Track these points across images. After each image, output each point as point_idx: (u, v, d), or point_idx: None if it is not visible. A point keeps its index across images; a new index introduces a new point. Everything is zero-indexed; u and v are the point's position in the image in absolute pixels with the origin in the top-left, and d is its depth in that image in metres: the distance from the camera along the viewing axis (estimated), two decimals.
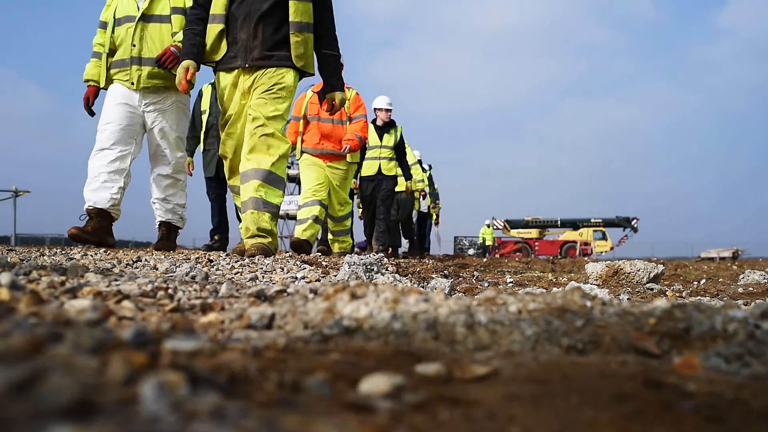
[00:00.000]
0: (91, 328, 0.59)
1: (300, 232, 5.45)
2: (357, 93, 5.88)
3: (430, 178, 10.97)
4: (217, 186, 6.04)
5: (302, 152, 5.80)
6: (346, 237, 6.20)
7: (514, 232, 29.95)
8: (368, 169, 7.09)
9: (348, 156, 5.76)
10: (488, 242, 26.37)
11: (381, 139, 7.08)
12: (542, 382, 0.54)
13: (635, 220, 29.23)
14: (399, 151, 7.16)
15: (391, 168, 7.08)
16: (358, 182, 7.35)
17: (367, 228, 7.41)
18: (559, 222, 29.98)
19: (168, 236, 4.28)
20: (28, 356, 0.42)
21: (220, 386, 0.44)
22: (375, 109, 7.10)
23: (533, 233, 29.51)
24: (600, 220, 29.56)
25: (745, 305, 1.78)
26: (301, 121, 5.76)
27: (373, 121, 7.07)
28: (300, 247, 5.29)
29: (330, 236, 6.21)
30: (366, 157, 7.05)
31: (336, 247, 6.21)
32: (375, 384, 0.50)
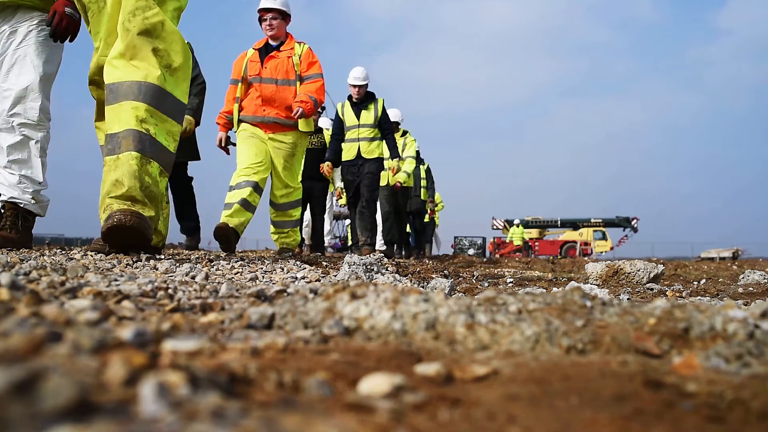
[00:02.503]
0: (91, 328, 0.59)
1: (224, 216, 4.37)
2: (310, 48, 4.79)
3: (428, 171, 10.38)
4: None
5: (240, 122, 4.74)
6: (291, 231, 4.96)
7: None
8: (347, 152, 6.18)
9: (300, 123, 4.66)
10: (517, 242, 25.75)
11: (358, 117, 6.09)
12: (542, 382, 0.54)
13: (635, 220, 29.25)
14: (383, 128, 6.13)
15: (372, 150, 6.11)
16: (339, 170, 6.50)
17: (354, 220, 6.52)
18: (559, 222, 29.99)
19: (13, 223, 2.82)
20: (28, 356, 0.42)
21: (220, 386, 0.44)
22: (349, 85, 6.14)
23: (533, 233, 29.53)
24: (600, 220, 29.58)
25: (745, 305, 1.78)
26: (240, 84, 4.73)
27: (349, 98, 6.19)
28: (223, 234, 4.24)
29: (271, 228, 4.96)
30: (345, 139, 6.18)
31: (278, 242, 5.00)
32: (375, 384, 0.50)
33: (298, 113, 4.44)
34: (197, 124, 5.20)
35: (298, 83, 4.65)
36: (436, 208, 12.25)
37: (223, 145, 4.93)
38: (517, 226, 26.46)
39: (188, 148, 5.18)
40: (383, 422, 0.42)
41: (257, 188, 4.50)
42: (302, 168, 7.07)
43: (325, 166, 6.07)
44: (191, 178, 5.49)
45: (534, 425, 0.44)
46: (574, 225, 29.61)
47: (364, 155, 6.09)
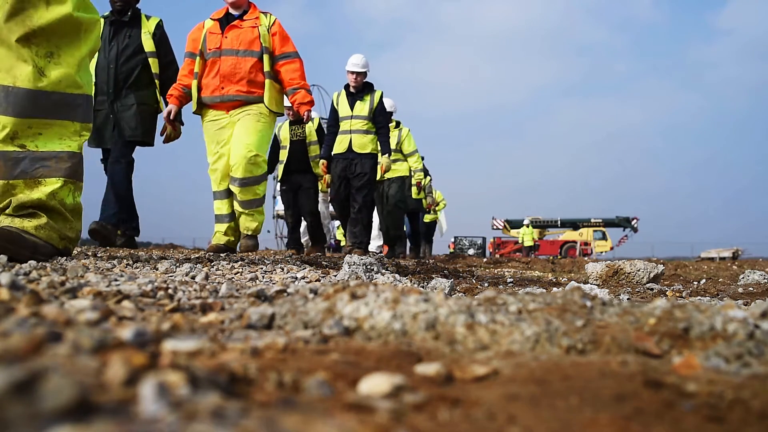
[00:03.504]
0: (91, 328, 0.59)
1: (215, 236, 4.24)
2: (278, 21, 4.24)
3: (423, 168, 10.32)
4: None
5: (200, 105, 4.20)
6: (257, 212, 4.17)
7: (514, 232, 29.97)
8: (338, 145, 5.68)
9: (268, 101, 4.10)
10: (528, 243, 25.27)
11: (352, 107, 5.61)
12: (542, 382, 0.54)
13: (635, 220, 29.26)
14: (378, 120, 5.61)
15: (365, 144, 5.59)
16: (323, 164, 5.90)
17: (340, 218, 6.00)
18: (559, 222, 30.01)
19: None
20: (28, 356, 0.42)
21: (220, 386, 0.44)
22: (347, 72, 5.69)
23: (533, 233, 29.52)
24: (600, 220, 29.60)
25: (745, 305, 1.78)
26: (198, 59, 4.15)
27: (346, 87, 5.72)
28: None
29: (237, 207, 4.17)
30: (338, 130, 5.71)
31: (242, 224, 4.21)
32: (375, 384, 0.50)
33: (306, 116, 4.16)
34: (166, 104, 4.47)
35: (265, 57, 4.09)
36: (437, 207, 11.93)
37: (171, 118, 4.20)
38: (527, 226, 25.87)
39: (147, 129, 4.59)
40: (383, 422, 0.42)
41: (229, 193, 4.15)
42: (288, 161, 6.51)
43: (321, 164, 5.75)
44: (132, 161, 4.71)
45: (534, 425, 0.44)
46: (574, 225, 29.62)
47: (355, 149, 5.58)
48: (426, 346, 0.70)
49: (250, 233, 4.21)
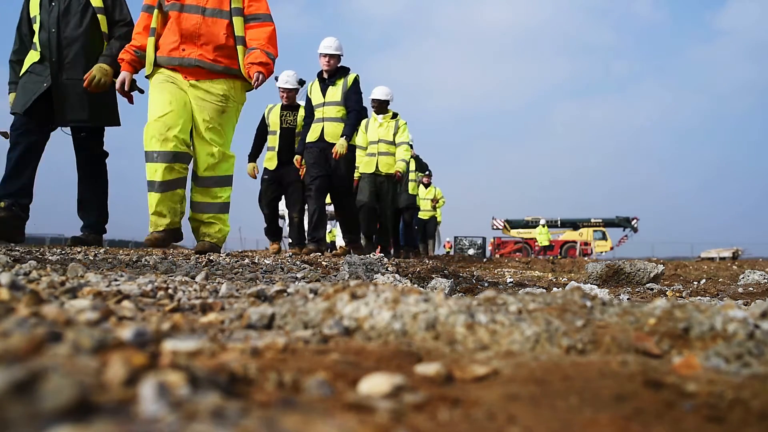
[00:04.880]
0: (91, 328, 0.59)
1: (151, 221, 3.38)
2: None
3: (417, 159, 9.27)
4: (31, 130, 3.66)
5: (154, 65, 3.44)
6: (217, 218, 3.52)
7: (514, 232, 29.97)
8: (311, 133, 5.20)
9: (242, 68, 3.45)
10: (543, 243, 24.53)
11: (324, 94, 5.17)
12: (542, 382, 0.54)
13: (635, 220, 29.26)
14: (346, 102, 5.13)
15: (339, 133, 5.11)
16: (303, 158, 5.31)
17: (313, 214, 5.33)
18: (559, 222, 30.00)
19: None
20: (28, 356, 0.42)
21: (220, 386, 0.44)
22: (319, 55, 5.23)
23: (533, 233, 29.53)
24: (600, 220, 29.59)
25: (745, 305, 1.78)
26: (156, 12, 3.44)
27: (319, 75, 5.28)
28: (154, 243, 3.33)
29: (190, 213, 3.52)
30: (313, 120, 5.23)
31: (197, 233, 3.54)
32: (375, 384, 0.50)
33: (258, 80, 3.36)
34: (116, 75, 3.60)
35: (236, 20, 3.46)
36: (437, 205, 11.72)
37: (126, 89, 3.47)
38: (543, 226, 25.03)
39: (103, 108, 3.80)
40: (383, 422, 0.42)
41: (179, 157, 3.32)
42: (276, 150, 5.82)
43: (296, 160, 5.33)
44: (105, 154, 3.98)
45: (534, 425, 0.44)
46: (574, 225, 29.62)
47: (327, 138, 5.10)
48: (426, 346, 0.70)
49: (208, 241, 3.54)
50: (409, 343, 0.71)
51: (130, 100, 3.61)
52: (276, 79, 5.98)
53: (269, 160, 5.94)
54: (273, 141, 5.93)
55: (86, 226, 3.91)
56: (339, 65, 5.25)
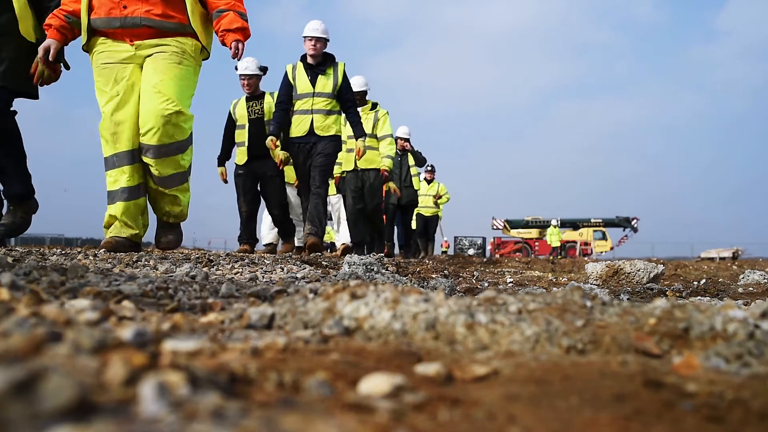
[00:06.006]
0: (91, 328, 0.59)
1: (113, 226, 2.98)
2: None
3: (415, 153, 8.54)
4: None
5: (90, 33, 2.92)
6: (180, 192, 3.08)
7: (514, 232, 29.97)
8: (297, 127, 4.78)
9: (196, 29, 2.95)
10: (554, 243, 23.83)
11: (314, 84, 4.75)
12: (542, 382, 0.54)
13: (635, 220, 29.26)
14: (344, 99, 4.78)
15: (329, 125, 4.73)
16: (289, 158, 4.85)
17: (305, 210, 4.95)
18: (559, 222, 30.02)
19: None
20: (28, 356, 0.42)
21: (220, 386, 0.44)
22: (304, 39, 4.79)
23: (533, 233, 29.52)
24: (600, 220, 29.59)
25: (745, 305, 1.78)
26: None
27: (303, 59, 4.83)
28: (114, 248, 2.90)
29: (151, 184, 3.02)
30: (296, 110, 4.79)
31: (159, 208, 3.12)
32: (375, 384, 0.50)
33: (238, 50, 2.93)
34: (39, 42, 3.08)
35: None
36: (440, 201, 11.29)
37: (51, 59, 2.92)
38: (555, 227, 24.43)
39: (17, 72, 3.14)
40: (383, 422, 0.42)
41: (138, 156, 2.88)
42: (246, 145, 5.38)
43: (269, 141, 4.77)
44: (14, 113, 3.28)
45: (534, 425, 0.44)
46: (574, 225, 29.61)
47: (318, 131, 4.70)
48: (426, 346, 0.70)
49: (171, 221, 3.10)
50: (409, 343, 0.71)
51: (54, 74, 3.03)
52: (235, 68, 5.46)
53: (240, 155, 5.54)
54: (241, 135, 5.52)
55: (10, 196, 3.35)
56: (325, 51, 4.83)
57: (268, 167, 5.39)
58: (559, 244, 24.29)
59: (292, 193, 6.40)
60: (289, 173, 5.95)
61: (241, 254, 3.77)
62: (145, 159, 2.90)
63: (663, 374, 0.57)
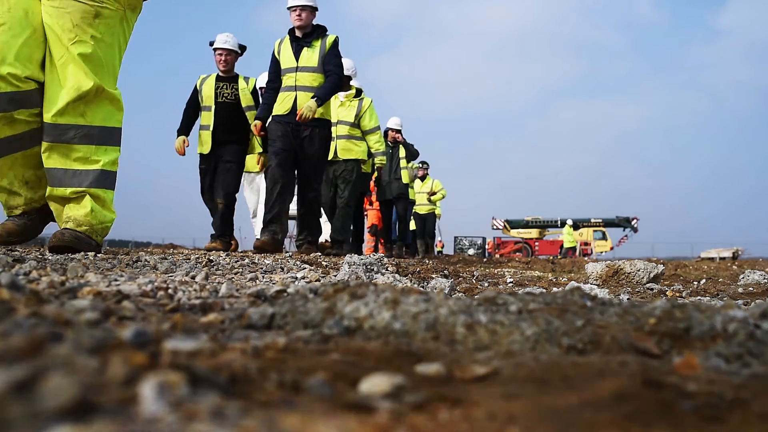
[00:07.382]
0: (91, 328, 0.59)
1: None
2: None
3: (406, 145, 8.07)
4: None
5: None
6: (93, 193, 2.35)
7: (514, 232, 29.98)
8: (279, 104, 4.26)
9: None
10: (568, 244, 23.05)
11: (297, 57, 4.22)
12: (542, 382, 0.54)
13: (635, 220, 29.27)
14: (327, 66, 4.22)
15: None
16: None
17: (279, 199, 4.26)
18: (559, 222, 30.00)
19: None
20: (28, 356, 0.42)
21: (220, 386, 0.44)
22: (288, 10, 4.31)
23: (533, 233, 29.53)
24: (600, 220, 29.60)
25: (745, 305, 1.78)
26: None
27: (290, 32, 4.34)
28: (4, 239, 2.37)
29: (48, 188, 2.35)
30: (281, 87, 4.31)
31: (58, 217, 2.38)
32: (375, 384, 0.50)
33: None
34: None
35: None
36: (434, 197, 10.57)
37: None
38: (570, 227, 23.69)
39: None
40: (383, 422, 0.42)
41: (18, 101, 2.14)
42: (210, 129, 4.78)
43: (254, 126, 4.37)
44: None
45: (534, 425, 0.44)
46: (574, 225, 29.62)
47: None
48: (426, 346, 0.70)
49: (75, 232, 2.30)
50: (409, 343, 0.71)
51: None
52: (210, 44, 4.94)
53: (203, 143, 4.92)
54: (207, 118, 4.90)
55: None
56: (314, 22, 4.32)
57: (227, 152, 4.86)
58: (573, 245, 23.30)
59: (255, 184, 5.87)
60: (250, 162, 5.39)
61: (241, 254, 3.76)
62: (45, 144, 2.32)
63: (663, 374, 0.57)
